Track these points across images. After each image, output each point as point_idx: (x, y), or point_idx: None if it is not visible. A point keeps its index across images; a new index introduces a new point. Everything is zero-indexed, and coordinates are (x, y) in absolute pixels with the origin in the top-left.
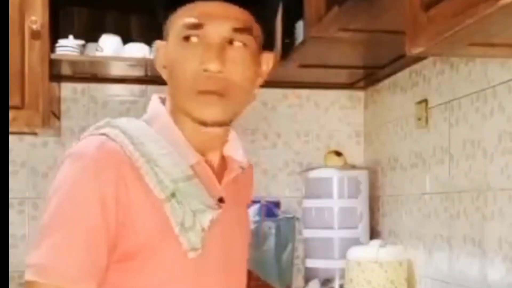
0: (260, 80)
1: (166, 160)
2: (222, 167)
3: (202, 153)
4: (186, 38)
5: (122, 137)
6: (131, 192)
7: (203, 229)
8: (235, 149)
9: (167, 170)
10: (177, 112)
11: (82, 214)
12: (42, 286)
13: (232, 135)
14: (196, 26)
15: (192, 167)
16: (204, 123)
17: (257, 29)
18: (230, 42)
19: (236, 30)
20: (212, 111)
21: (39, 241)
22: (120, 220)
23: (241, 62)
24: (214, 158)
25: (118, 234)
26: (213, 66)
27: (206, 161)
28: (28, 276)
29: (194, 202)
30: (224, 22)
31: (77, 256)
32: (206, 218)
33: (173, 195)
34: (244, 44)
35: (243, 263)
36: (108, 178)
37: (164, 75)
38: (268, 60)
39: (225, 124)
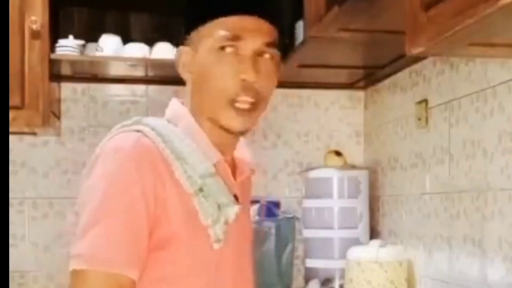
0: None
1: (194, 157)
2: (233, 168)
3: (223, 152)
4: (222, 48)
5: (154, 134)
6: (166, 186)
7: (226, 222)
8: (244, 152)
9: (195, 166)
10: (200, 116)
11: (125, 204)
12: (91, 273)
13: (241, 139)
14: (234, 38)
15: (214, 165)
16: (230, 132)
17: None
18: (260, 54)
19: (268, 44)
20: (242, 121)
21: (84, 232)
22: (157, 210)
23: (270, 73)
24: (228, 159)
25: (154, 224)
26: (251, 76)
27: (226, 160)
28: (76, 265)
29: (219, 196)
30: (258, 36)
31: (123, 243)
32: (232, 212)
33: (200, 189)
34: (272, 57)
35: (251, 259)
36: (148, 171)
37: (189, 80)
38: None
39: (247, 132)
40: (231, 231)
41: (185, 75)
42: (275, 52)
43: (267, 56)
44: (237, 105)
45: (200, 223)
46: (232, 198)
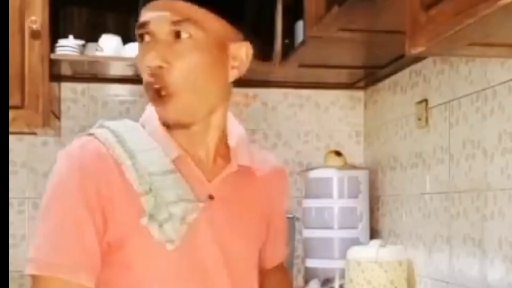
0: (234, 73)
1: (146, 155)
2: (223, 163)
3: (188, 150)
4: (140, 37)
5: (107, 136)
6: (113, 187)
7: (182, 222)
8: (237, 148)
9: (146, 165)
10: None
11: (67, 206)
12: (43, 279)
13: (236, 133)
14: (143, 24)
15: (175, 162)
16: (165, 125)
17: (209, 19)
18: (177, 35)
19: (176, 22)
20: (163, 111)
21: (35, 237)
22: (103, 212)
23: (184, 55)
24: (208, 155)
25: (103, 226)
26: (148, 60)
27: (192, 157)
28: (27, 270)
29: (169, 195)
30: (163, 15)
31: (68, 246)
32: (180, 210)
33: (150, 189)
34: (190, 36)
35: (249, 265)
36: (89, 173)
37: None
38: (239, 50)
39: (188, 125)
40: (202, 231)
41: None
42: (194, 29)
43: (184, 35)
44: (149, 94)
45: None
46: (192, 197)
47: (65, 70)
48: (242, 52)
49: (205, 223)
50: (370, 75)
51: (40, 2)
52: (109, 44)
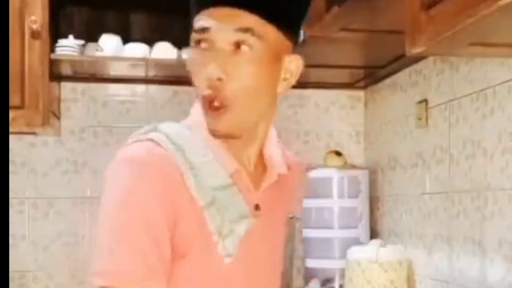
0: (284, 85)
1: (207, 168)
2: (261, 171)
3: (239, 160)
4: (197, 43)
5: (167, 143)
6: (180, 196)
7: (239, 237)
8: (274, 156)
9: (207, 178)
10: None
11: (144, 217)
12: None
13: (273, 140)
14: (203, 30)
15: (230, 175)
16: (213, 134)
17: (269, 31)
18: (237, 46)
19: (239, 32)
20: (214, 123)
21: (105, 248)
22: (175, 222)
23: (242, 70)
24: (250, 164)
25: (172, 232)
26: (210, 72)
27: (243, 168)
28: (102, 282)
29: (231, 211)
30: (226, 24)
31: (143, 256)
32: (242, 228)
33: (212, 202)
34: (251, 48)
35: (271, 268)
36: (162, 180)
37: None
38: (291, 63)
39: (237, 136)
40: (244, 242)
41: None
42: (254, 40)
43: (245, 48)
44: (205, 105)
45: (211, 237)
46: (247, 211)
47: (65, 70)
48: (294, 64)
49: (254, 234)
50: (370, 75)
51: (40, 2)
52: (109, 44)
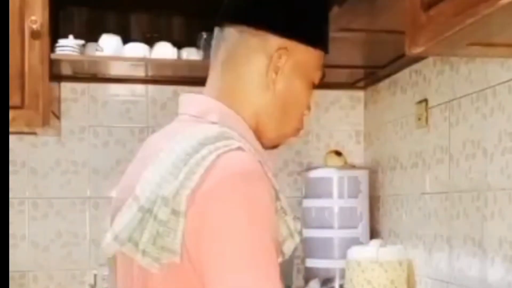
0: None
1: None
2: None
3: None
4: (314, 85)
5: (249, 151)
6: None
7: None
8: None
9: (271, 175)
10: (250, 120)
11: (271, 232)
12: None
13: None
14: (323, 74)
15: None
16: (276, 147)
17: None
18: None
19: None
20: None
21: (243, 265)
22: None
23: None
24: None
25: None
26: (310, 112)
27: None
28: None
29: (288, 212)
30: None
31: (277, 276)
32: (298, 224)
33: (278, 208)
34: None
35: None
36: (270, 188)
37: (268, 84)
38: None
39: None
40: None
41: (269, 77)
42: None
43: None
44: (297, 133)
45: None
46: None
47: (65, 70)
48: None
49: None
50: (370, 75)
51: (40, 2)
52: (109, 44)
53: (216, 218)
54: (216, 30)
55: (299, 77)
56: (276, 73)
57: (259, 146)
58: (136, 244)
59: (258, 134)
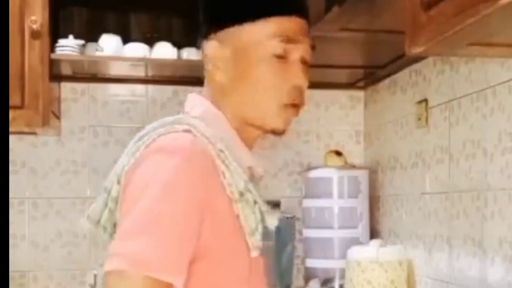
0: None
1: (233, 162)
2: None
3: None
4: (280, 56)
5: (200, 135)
6: (216, 190)
7: (263, 228)
8: (257, 161)
9: (235, 171)
10: (234, 117)
11: (177, 212)
12: (129, 275)
13: None
14: (288, 42)
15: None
16: (277, 132)
17: None
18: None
19: (310, 46)
20: (287, 123)
21: (129, 234)
22: (206, 218)
23: (308, 77)
24: None
25: (200, 233)
26: (303, 82)
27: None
28: (116, 265)
29: (260, 203)
30: (307, 41)
31: (171, 250)
32: (274, 219)
33: (241, 195)
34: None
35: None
36: (203, 176)
37: (218, 78)
38: None
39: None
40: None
41: (213, 72)
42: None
43: (308, 59)
44: (287, 109)
45: (241, 230)
46: (267, 204)
47: (65, 70)
48: None
49: None
50: (370, 75)
51: (40, 2)
52: (109, 44)
53: (128, 190)
54: None
55: (250, 57)
56: (219, 66)
57: (237, 144)
58: (99, 222)
59: (247, 125)
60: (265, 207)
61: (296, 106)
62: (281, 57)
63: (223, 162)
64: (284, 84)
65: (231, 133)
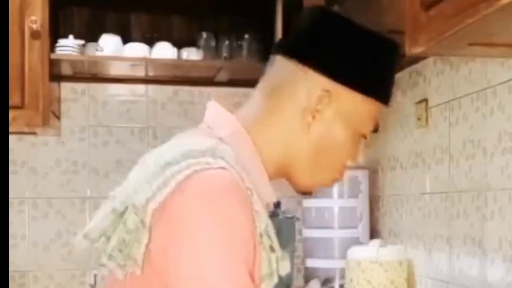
0: None
1: (258, 196)
2: None
3: None
4: (363, 136)
5: (235, 172)
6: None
7: (278, 276)
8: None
9: (260, 210)
10: (278, 159)
11: (245, 252)
12: None
13: None
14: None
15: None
16: (304, 194)
17: None
18: None
19: None
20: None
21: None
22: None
23: None
24: None
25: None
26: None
27: None
28: None
29: (277, 248)
30: None
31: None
32: (286, 266)
33: (261, 235)
34: None
35: None
36: (251, 214)
37: (307, 125)
38: None
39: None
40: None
41: (305, 119)
42: None
43: None
44: (331, 183)
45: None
46: (280, 249)
47: (65, 70)
48: None
49: None
50: None
51: (40, 2)
52: (109, 44)
53: (185, 237)
54: (271, 57)
55: (342, 125)
56: (314, 117)
57: (261, 177)
58: (104, 244)
59: (288, 176)
60: (279, 253)
61: (336, 180)
62: (364, 138)
63: (251, 199)
64: (348, 160)
65: (257, 162)
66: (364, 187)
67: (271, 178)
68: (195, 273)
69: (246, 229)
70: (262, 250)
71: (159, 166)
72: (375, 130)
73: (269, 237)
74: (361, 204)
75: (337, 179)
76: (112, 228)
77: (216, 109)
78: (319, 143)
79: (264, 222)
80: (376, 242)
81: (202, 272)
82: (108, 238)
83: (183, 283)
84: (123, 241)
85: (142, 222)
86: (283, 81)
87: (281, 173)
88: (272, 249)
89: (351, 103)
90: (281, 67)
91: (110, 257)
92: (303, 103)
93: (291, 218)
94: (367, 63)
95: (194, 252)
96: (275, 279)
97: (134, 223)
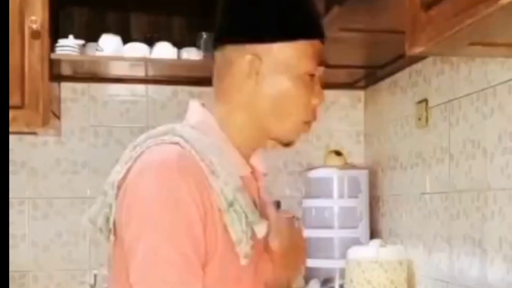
0: None
1: (224, 170)
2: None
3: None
4: (312, 76)
5: (189, 147)
6: (206, 199)
7: (252, 237)
8: (257, 158)
9: (226, 181)
10: (250, 127)
11: (184, 216)
12: None
13: None
14: (319, 65)
15: (241, 178)
16: (290, 145)
17: None
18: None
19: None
20: (299, 137)
21: (137, 251)
22: (204, 222)
23: None
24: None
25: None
26: (322, 100)
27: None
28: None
29: (248, 213)
30: (325, 62)
31: (187, 259)
32: (261, 229)
33: (231, 205)
34: None
35: (265, 276)
36: (195, 183)
37: (247, 89)
38: None
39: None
40: (255, 246)
41: (242, 83)
42: None
43: (322, 79)
44: (306, 125)
45: (230, 239)
46: (258, 214)
47: (65, 70)
48: None
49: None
50: (370, 75)
51: (40, 2)
52: (109, 44)
53: (130, 208)
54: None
55: (284, 74)
56: (256, 80)
57: (231, 155)
58: (95, 223)
59: (266, 136)
60: (253, 217)
61: (309, 122)
62: (312, 76)
63: (212, 173)
64: (308, 103)
65: (227, 145)
66: (364, 187)
67: (257, 147)
68: (141, 241)
69: (184, 199)
70: (234, 216)
71: (129, 150)
72: (324, 63)
73: (241, 205)
74: (361, 204)
75: (310, 120)
76: (101, 207)
77: (194, 105)
78: (274, 96)
79: (231, 194)
80: (376, 242)
81: (148, 241)
82: (96, 221)
83: (132, 251)
84: (105, 215)
85: (115, 196)
86: (221, 68)
87: (262, 138)
88: (243, 212)
89: (281, 54)
90: (219, 57)
91: (100, 231)
92: (243, 74)
93: (291, 217)
94: (273, 12)
95: (139, 222)
96: (250, 242)
97: (111, 197)
